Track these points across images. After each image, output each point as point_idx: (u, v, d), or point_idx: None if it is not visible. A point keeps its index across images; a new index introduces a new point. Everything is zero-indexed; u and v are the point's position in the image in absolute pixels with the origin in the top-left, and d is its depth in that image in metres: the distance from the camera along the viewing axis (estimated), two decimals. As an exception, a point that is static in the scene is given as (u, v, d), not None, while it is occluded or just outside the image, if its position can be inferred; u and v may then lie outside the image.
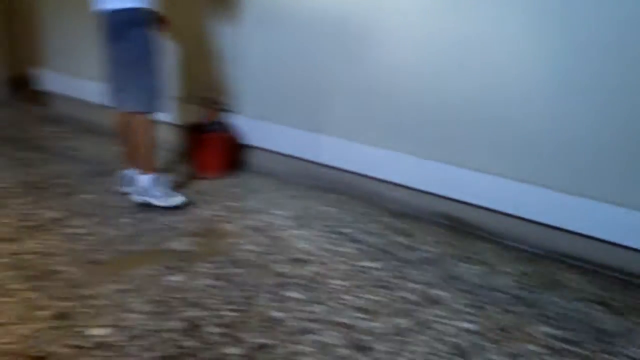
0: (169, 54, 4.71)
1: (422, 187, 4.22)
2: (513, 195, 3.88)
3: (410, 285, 3.41)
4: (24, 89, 7.10)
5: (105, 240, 3.85)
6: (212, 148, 4.54)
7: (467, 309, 3.19)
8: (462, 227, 4.08)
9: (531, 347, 2.92)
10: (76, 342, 2.88)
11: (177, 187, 4.59)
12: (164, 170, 4.78)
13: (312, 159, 4.66)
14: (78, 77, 6.12)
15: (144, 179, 4.13)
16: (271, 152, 4.86)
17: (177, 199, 4.19)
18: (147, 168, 4.13)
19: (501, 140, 3.86)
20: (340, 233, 3.97)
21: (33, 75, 6.85)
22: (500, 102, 3.82)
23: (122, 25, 3.96)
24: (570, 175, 3.67)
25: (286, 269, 3.54)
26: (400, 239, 3.93)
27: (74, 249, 3.74)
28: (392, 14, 4.12)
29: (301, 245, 3.81)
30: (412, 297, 3.29)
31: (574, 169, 3.64)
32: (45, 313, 3.11)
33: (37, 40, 6.81)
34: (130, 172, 4.35)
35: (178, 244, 3.80)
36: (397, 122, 4.25)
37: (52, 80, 6.50)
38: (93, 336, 2.92)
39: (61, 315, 3.08)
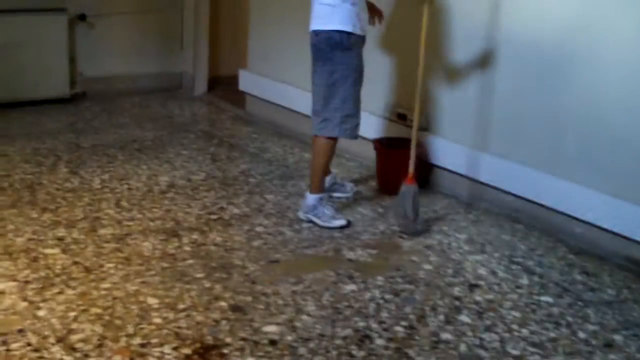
0: (374, 69, 4.74)
1: (608, 227, 4.05)
2: None
3: (588, 326, 3.28)
4: (223, 88, 7.38)
5: (283, 241, 3.95)
6: (400, 165, 4.55)
7: (648, 359, 3.05)
8: (648, 273, 3.89)
9: None
10: (249, 336, 2.98)
11: (363, 200, 4.64)
12: (352, 182, 4.84)
13: (496, 184, 4.57)
14: (277, 82, 6.28)
15: (311, 198, 4.19)
16: (458, 174, 4.81)
17: (340, 221, 4.21)
18: (315, 188, 4.20)
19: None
20: (518, 263, 3.88)
21: (233, 75, 7.10)
22: None
23: (325, 47, 4.05)
24: None
25: (460, 292, 3.51)
26: (580, 277, 3.80)
27: (254, 246, 3.87)
28: (600, 38, 3.98)
29: (477, 271, 3.75)
30: (589, 339, 3.17)
31: None
32: (222, 304, 3.23)
33: (240, 43, 7.07)
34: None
35: (354, 254, 3.85)
36: (589, 155, 4.10)
37: (251, 82, 6.70)
38: (266, 333, 3.01)
39: (237, 308, 3.20)
